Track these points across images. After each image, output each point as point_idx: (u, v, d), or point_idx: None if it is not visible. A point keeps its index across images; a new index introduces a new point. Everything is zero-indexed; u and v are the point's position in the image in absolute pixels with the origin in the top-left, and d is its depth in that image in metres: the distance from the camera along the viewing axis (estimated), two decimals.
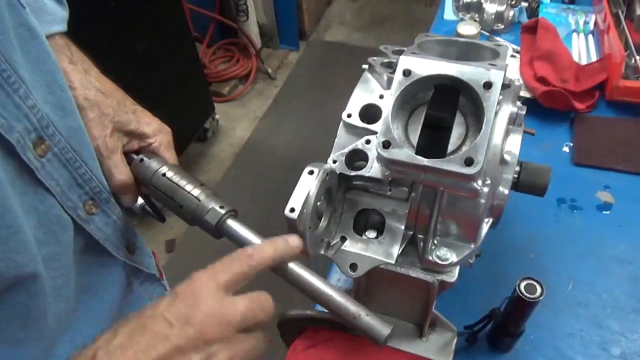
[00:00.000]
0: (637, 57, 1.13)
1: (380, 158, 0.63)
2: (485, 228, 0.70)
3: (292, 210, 0.57)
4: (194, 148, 2.52)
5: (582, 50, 1.27)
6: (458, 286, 0.85)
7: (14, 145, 0.49)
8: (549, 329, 0.80)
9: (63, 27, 0.65)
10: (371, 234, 0.69)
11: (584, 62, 1.22)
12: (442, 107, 0.64)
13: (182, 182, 0.62)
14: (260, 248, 0.54)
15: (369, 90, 0.74)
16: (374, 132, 0.69)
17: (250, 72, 2.91)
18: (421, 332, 0.81)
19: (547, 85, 1.09)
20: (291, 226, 0.58)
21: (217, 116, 2.60)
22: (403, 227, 0.67)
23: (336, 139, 0.72)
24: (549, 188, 1.02)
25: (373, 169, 0.66)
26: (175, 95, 2.24)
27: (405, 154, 0.60)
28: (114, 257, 0.69)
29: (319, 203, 0.62)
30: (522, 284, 0.65)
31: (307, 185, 0.58)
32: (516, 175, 0.72)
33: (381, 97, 0.71)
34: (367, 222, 0.71)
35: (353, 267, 0.66)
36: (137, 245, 0.75)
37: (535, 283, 0.65)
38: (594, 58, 1.23)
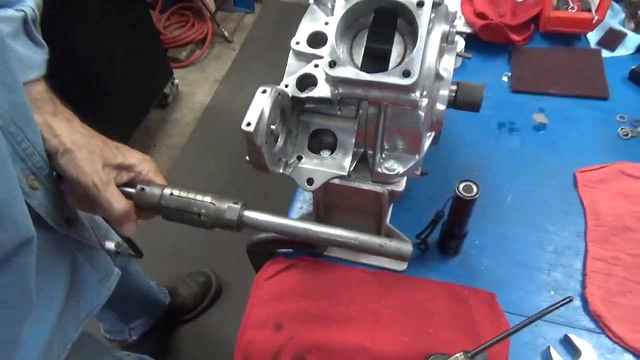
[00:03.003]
0: None
1: (328, 78, 0.69)
2: (427, 142, 0.77)
3: (249, 124, 0.62)
4: (155, 114, 2.51)
5: None
6: (409, 204, 0.94)
7: None
8: (492, 234, 0.89)
9: (41, 71, 0.67)
10: (325, 153, 0.76)
11: None
12: (381, 39, 0.70)
13: (191, 195, 0.66)
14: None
15: (315, 20, 0.79)
16: (321, 57, 0.74)
17: (207, 36, 2.89)
18: None
19: (485, 19, 1.16)
20: (249, 140, 0.63)
21: (176, 81, 2.59)
22: (353, 141, 0.73)
23: (287, 67, 0.77)
24: (490, 114, 1.11)
25: (322, 90, 0.72)
26: (131, 62, 2.21)
27: (350, 71, 0.66)
28: (56, 233, 0.71)
29: (273, 126, 0.67)
30: (461, 185, 0.73)
31: (261, 103, 0.64)
32: (453, 94, 0.79)
33: (326, 23, 0.76)
34: (320, 144, 0.77)
35: (310, 181, 0.73)
36: (76, 218, 0.77)
37: (471, 184, 0.72)
38: None
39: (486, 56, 1.18)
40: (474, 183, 0.73)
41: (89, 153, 0.64)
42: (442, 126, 0.78)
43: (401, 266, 0.87)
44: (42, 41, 0.69)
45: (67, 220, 0.74)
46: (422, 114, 0.71)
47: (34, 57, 0.67)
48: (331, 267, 0.87)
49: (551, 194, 0.94)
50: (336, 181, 0.76)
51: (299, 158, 0.74)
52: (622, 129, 1.02)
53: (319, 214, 0.87)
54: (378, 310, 0.81)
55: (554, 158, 0.99)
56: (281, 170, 0.73)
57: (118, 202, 0.65)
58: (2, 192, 0.51)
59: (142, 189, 0.66)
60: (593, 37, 1.19)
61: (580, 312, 0.79)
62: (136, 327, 1.56)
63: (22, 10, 0.65)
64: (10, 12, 0.64)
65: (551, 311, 0.65)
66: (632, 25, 1.17)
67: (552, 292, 0.82)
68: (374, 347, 0.77)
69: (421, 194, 0.94)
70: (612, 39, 1.16)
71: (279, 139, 0.72)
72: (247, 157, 0.69)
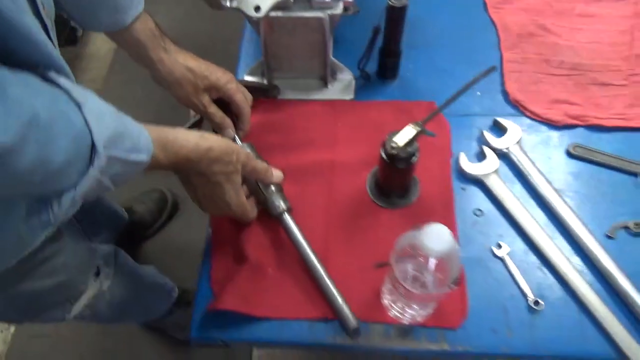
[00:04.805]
0: None
1: None
2: None
3: None
4: (67, 52, 2.37)
5: None
6: (340, 45, 1.01)
7: None
8: (423, 59, 1.01)
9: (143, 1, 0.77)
10: None
11: None
12: None
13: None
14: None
15: None
16: None
17: None
18: (325, 82, 0.97)
19: None
20: None
21: None
22: None
23: None
24: None
25: None
26: None
27: None
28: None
29: None
30: None
31: None
32: None
33: None
34: None
35: (257, 8, 0.79)
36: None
37: None
38: None
39: None
40: None
41: (193, 86, 0.82)
42: None
43: (349, 95, 0.96)
44: None
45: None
46: None
47: None
48: (288, 105, 0.95)
49: (466, 21, 1.07)
50: (280, 14, 0.82)
51: None
52: None
53: (269, 62, 0.93)
54: (335, 131, 0.90)
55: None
56: (228, 4, 0.79)
57: (218, 117, 0.86)
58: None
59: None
60: None
61: (503, 103, 0.94)
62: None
63: None
64: None
65: (478, 79, 0.77)
66: None
67: (478, 93, 0.95)
68: (337, 159, 0.87)
69: (346, 36, 1.02)
70: None
71: None
72: None
